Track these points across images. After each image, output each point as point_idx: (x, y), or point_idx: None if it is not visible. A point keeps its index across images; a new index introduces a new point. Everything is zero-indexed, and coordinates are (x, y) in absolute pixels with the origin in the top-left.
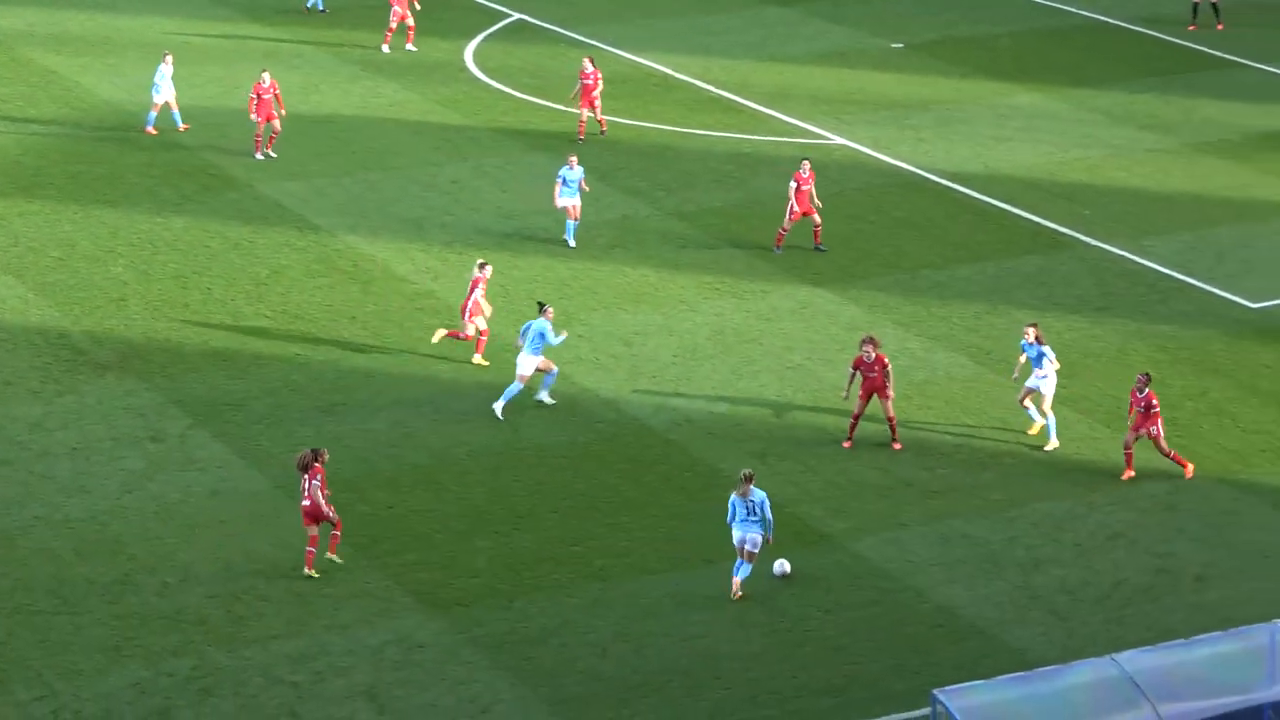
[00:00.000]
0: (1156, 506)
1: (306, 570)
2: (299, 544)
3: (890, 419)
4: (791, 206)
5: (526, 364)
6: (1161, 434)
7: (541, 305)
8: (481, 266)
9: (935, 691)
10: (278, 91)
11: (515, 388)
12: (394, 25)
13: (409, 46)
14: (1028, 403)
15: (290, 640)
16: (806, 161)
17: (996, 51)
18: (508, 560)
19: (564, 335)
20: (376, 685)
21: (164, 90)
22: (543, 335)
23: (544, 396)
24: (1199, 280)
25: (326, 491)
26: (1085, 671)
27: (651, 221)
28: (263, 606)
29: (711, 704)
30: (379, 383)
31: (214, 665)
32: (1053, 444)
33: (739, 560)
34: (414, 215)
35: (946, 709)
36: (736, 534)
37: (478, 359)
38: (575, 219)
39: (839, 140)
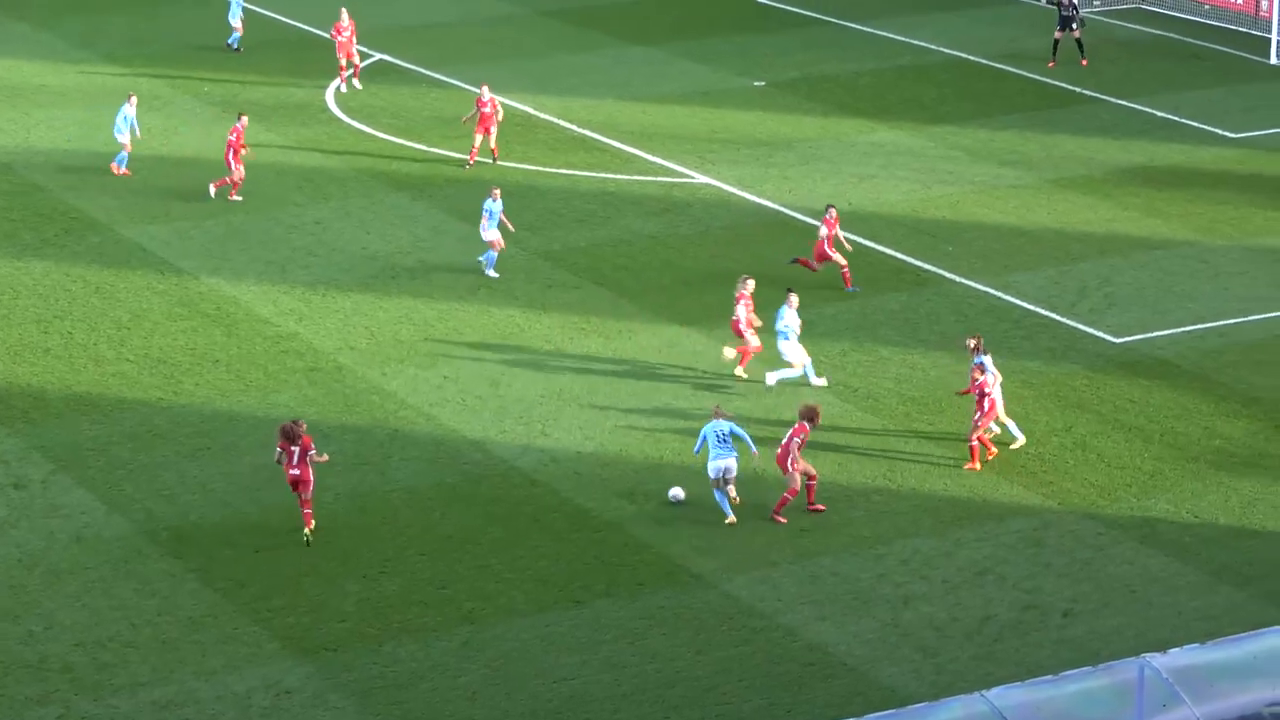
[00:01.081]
0: (1023, 542)
1: (309, 530)
2: (165, 590)
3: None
4: (822, 250)
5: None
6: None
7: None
8: (744, 281)
9: None
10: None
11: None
12: (344, 63)
13: (355, 83)
14: (1005, 417)
15: (157, 687)
16: (832, 208)
17: (858, 89)
18: (376, 604)
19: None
20: None
21: (125, 131)
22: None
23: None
24: (1062, 316)
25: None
26: (956, 708)
27: (517, 261)
28: (129, 653)
29: None
30: (243, 426)
31: (80, 714)
32: (1019, 440)
33: (718, 492)
34: (277, 257)
35: None
36: (712, 467)
37: (740, 371)
38: (496, 250)
39: (703, 179)
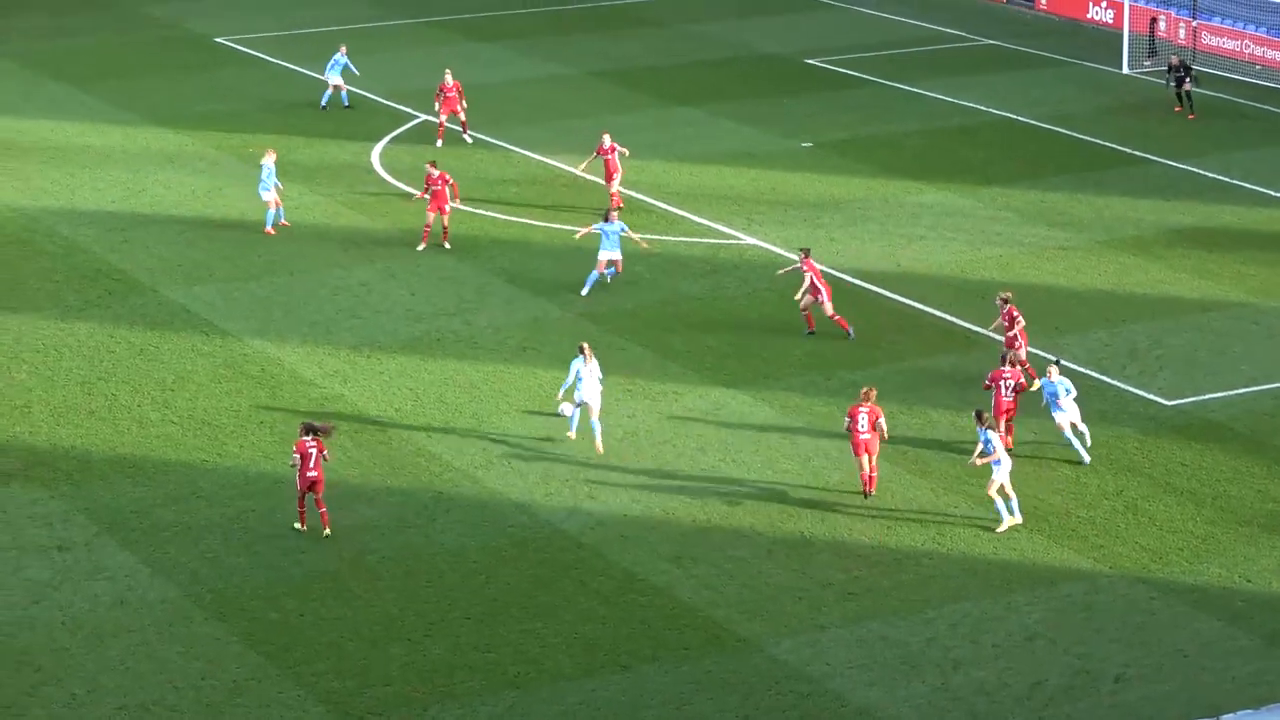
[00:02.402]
0: (1074, 606)
1: (301, 526)
2: (209, 654)
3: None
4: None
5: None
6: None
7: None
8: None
9: None
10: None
11: None
12: (443, 120)
13: (466, 137)
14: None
15: None
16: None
17: (905, 150)
18: (421, 668)
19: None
20: None
21: (271, 188)
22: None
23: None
24: (1113, 378)
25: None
26: None
27: (563, 323)
28: (173, 717)
29: None
30: (287, 488)
31: None
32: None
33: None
34: (322, 318)
35: None
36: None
37: None
38: (603, 271)
39: (750, 240)
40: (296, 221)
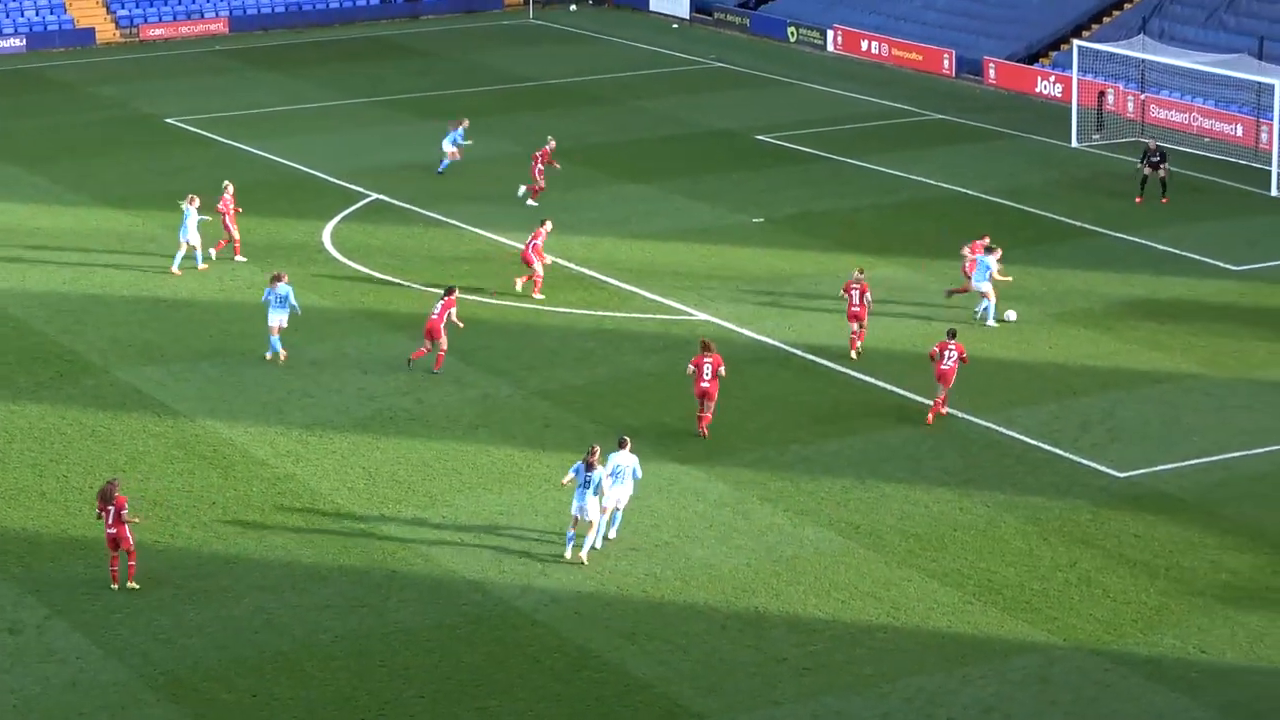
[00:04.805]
0: (1029, 679)
1: (115, 585)
2: None
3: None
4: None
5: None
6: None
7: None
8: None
9: None
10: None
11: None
12: (542, 184)
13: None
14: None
15: None
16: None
17: (857, 225)
18: None
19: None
20: None
21: (191, 233)
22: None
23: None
24: (1065, 450)
25: (135, 519)
26: None
27: (515, 401)
28: None
29: None
30: (239, 569)
31: None
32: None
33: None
34: (273, 398)
35: None
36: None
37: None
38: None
39: (702, 316)
40: (249, 301)
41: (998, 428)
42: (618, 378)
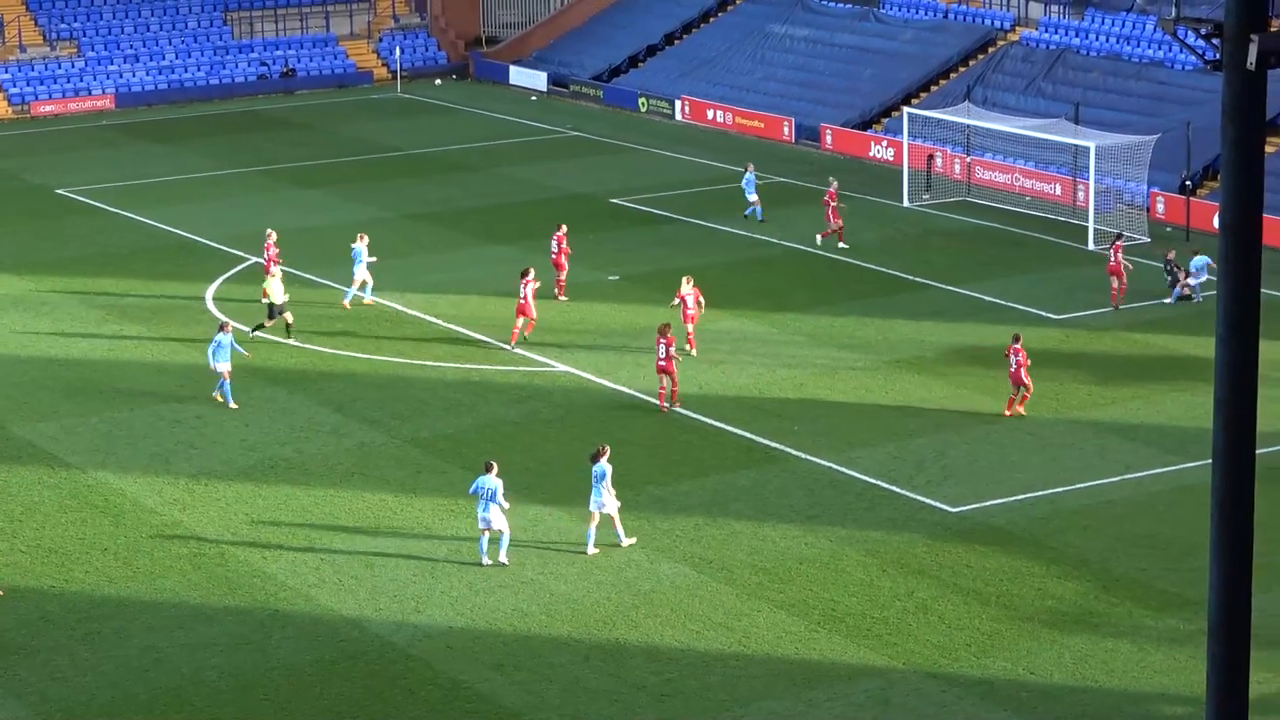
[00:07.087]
0: (871, 701)
1: None
2: None
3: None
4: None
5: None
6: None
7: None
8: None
9: None
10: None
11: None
12: (837, 226)
13: (841, 245)
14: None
15: None
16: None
17: (705, 280)
18: None
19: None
20: None
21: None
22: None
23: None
24: (902, 488)
25: None
26: None
27: (388, 449)
28: None
29: None
30: (131, 610)
31: None
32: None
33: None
34: (161, 450)
35: None
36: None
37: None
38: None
39: (563, 368)
40: (136, 360)
41: (839, 467)
42: (484, 425)
